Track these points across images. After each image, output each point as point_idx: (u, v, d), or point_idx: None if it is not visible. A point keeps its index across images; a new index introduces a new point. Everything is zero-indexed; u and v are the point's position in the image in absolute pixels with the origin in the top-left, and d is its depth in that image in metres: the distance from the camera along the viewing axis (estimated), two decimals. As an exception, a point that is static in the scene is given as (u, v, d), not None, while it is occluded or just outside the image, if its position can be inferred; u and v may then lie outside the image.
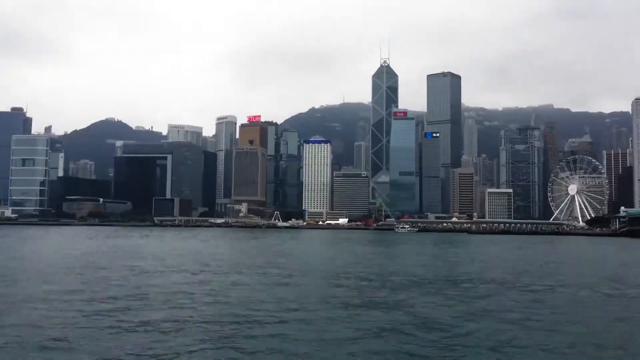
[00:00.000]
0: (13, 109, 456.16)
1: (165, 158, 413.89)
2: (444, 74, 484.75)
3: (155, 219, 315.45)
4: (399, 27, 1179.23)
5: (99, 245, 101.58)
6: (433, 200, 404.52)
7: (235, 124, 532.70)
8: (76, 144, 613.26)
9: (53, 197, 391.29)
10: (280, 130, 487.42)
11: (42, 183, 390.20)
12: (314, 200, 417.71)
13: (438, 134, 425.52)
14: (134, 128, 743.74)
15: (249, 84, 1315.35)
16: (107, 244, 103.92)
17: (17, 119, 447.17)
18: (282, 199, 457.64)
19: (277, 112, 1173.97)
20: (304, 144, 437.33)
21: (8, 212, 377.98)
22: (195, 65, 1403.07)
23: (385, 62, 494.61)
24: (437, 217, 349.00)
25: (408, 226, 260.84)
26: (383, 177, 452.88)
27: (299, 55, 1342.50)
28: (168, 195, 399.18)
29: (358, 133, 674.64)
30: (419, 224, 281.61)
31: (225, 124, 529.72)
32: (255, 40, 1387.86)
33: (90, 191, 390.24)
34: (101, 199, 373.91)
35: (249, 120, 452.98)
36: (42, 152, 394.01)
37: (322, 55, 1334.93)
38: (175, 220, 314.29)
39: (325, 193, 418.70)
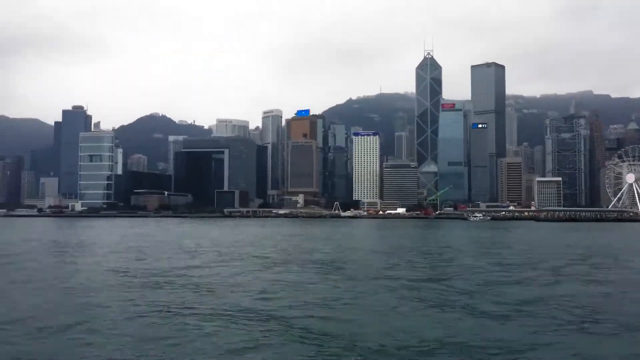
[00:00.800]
0: (74, 107, 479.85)
1: (222, 152, 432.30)
2: (487, 65, 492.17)
3: (225, 210, 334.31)
4: (439, 21, 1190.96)
5: (222, 234, 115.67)
6: (481, 190, 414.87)
7: (281, 117, 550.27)
8: (124, 139, 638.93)
9: (118, 190, 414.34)
10: (327, 123, 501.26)
11: (108, 177, 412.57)
12: (364, 190, 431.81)
13: (485, 125, 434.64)
14: (177, 122, 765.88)
15: (288, 78, 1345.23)
16: (220, 233, 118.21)
17: (79, 117, 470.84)
18: (331, 190, 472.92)
19: (315, 104, 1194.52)
20: (354, 136, 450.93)
21: (78, 206, 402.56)
22: (235, 62, 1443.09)
23: (429, 54, 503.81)
24: (488, 206, 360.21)
25: (481, 215, 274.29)
26: (428, 167, 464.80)
27: (338, 49, 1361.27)
28: (225, 188, 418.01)
29: (397, 124, 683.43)
30: (491, 213, 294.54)
31: (271, 117, 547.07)
32: (296, 35, 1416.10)
33: (152, 185, 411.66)
34: (166, 192, 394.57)
35: (298, 115, 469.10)
36: (107, 148, 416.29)
37: (360, 49, 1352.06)
38: (243, 211, 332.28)
39: (375, 183, 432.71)
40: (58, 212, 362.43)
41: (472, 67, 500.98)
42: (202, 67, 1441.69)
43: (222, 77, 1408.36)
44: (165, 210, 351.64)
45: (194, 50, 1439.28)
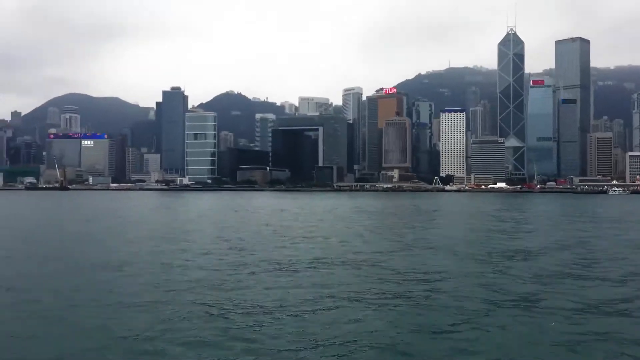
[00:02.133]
0: (172, 88, 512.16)
1: (317, 130, 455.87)
2: (572, 39, 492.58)
3: (334, 184, 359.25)
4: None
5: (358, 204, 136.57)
6: (571, 165, 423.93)
7: (361, 94, 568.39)
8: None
9: (220, 166, 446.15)
10: (411, 100, 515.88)
11: (212, 154, 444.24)
12: (451, 166, 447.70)
13: (576, 100, 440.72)
14: (251, 99, 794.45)
15: (358, 56, 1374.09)
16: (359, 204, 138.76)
17: (178, 97, 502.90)
18: (415, 165, 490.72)
19: (387, 79, 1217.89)
20: (441, 113, 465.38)
21: (185, 180, 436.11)
22: (309, 40, 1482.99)
23: (511, 29, 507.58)
24: (581, 181, 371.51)
25: (620, 189, 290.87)
26: (511, 142, 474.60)
27: (412, 26, 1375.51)
28: (320, 164, 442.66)
29: (469, 98, 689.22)
30: (631, 187, 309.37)
31: (352, 95, 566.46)
32: (373, 14, 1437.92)
33: (252, 161, 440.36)
34: (267, 167, 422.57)
35: (385, 92, 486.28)
36: (211, 127, 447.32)
37: (434, 24, 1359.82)
38: (352, 185, 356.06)
39: (462, 159, 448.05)
40: (185, 186, 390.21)
41: (557, 42, 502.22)
42: (279, 45, 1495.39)
43: (298, 55, 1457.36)
44: (282, 185, 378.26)
45: (271, 30, 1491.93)
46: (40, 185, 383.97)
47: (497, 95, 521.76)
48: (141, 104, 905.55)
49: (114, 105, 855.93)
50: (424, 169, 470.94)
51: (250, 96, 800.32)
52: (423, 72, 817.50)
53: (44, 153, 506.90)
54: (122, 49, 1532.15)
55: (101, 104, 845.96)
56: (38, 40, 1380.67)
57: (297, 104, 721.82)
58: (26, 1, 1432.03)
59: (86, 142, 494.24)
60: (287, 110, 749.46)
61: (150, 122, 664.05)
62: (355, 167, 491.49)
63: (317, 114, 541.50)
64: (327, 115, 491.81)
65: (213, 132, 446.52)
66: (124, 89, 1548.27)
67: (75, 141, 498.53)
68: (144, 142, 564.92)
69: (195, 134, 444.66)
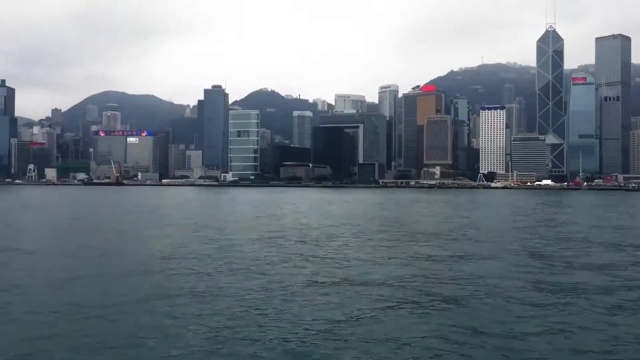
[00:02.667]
0: (213, 86, 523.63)
1: (357, 127, 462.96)
2: (613, 36, 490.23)
3: (380, 181, 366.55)
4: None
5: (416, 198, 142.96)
6: (613, 162, 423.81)
7: (397, 92, 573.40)
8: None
9: (262, 162, 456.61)
10: (449, 97, 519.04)
11: (255, 151, 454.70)
12: (491, 163, 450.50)
13: (618, 97, 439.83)
14: (284, 96, 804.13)
15: (389, 52, 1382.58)
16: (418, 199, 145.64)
17: (219, 95, 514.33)
18: (454, 162, 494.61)
19: (416, 75, 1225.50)
20: (481, 110, 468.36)
21: (229, 176, 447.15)
22: (342, 38, 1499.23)
23: (550, 26, 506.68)
24: (625, 178, 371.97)
25: None
26: (550, 139, 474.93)
27: (441, 23, 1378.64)
28: (360, 160, 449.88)
29: (504, 95, 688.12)
30: None
31: (388, 92, 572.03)
32: (403, 11, 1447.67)
33: (293, 157, 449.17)
34: (310, 164, 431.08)
35: (423, 90, 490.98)
36: (254, 124, 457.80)
37: (465, 21, 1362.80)
38: (397, 182, 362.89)
39: (501, 156, 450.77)
40: (234, 182, 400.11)
41: (597, 39, 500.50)
42: (311, 42, 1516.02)
43: (329, 52, 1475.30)
44: (315, 181, 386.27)
45: (303, 27, 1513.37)
46: (95, 181, 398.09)
47: (536, 92, 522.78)
48: (175, 101, 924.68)
49: (149, 103, 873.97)
50: (462, 165, 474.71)
51: (283, 93, 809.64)
52: (455, 69, 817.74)
53: (91, 149, 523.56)
54: (157, 47, 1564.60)
55: (136, 101, 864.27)
56: (79, 40, 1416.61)
57: (329, 101, 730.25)
58: (69, 2, 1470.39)
59: (131, 139, 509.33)
60: (319, 107, 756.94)
61: (188, 120, 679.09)
62: (392, 163, 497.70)
63: (354, 111, 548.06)
64: (368, 113, 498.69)
65: (256, 129, 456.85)
66: (158, 86, 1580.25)
67: (121, 138, 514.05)
68: (183, 139, 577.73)
69: (239, 132, 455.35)
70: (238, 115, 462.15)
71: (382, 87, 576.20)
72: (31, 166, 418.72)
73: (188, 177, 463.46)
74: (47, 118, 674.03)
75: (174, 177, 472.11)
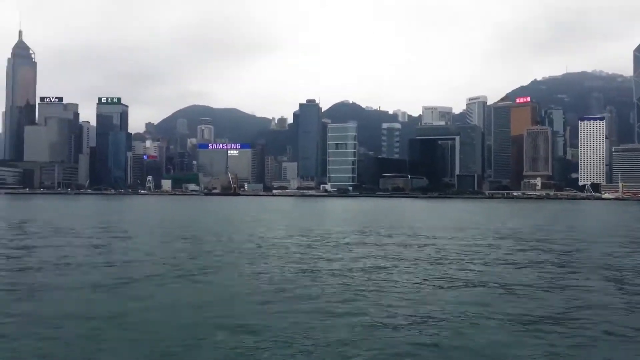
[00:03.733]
0: (308, 100, 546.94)
1: (453, 139, 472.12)
2: None
3: (486, 192, 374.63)
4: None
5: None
6: None
7: (485, 103, 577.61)
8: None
9: (359, 173, 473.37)
10: (543, 108, 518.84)
11: (352, 162, 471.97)
12: (590, 174, 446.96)
13: None
14: (364, 108, 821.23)
15: (470, 63, 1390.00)
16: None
17: (313, 109, 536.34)
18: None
19: (497, 85, 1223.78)
20: (579, 121, 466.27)
21: (328, 187, 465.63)
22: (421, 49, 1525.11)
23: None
24: None
25: None
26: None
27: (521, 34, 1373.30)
28: (457, 172, 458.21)
29: (592, 104, 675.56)
30: None
31: (477, 103, 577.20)
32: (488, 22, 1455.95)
33: (390, 169, 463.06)
34: (409, 175, 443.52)
35: (517, 102, 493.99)
36: (351, 137, 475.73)
37: (550, 31, 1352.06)
38: (504, 193, 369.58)
39: (601, 167, 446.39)
40: (343, 192, 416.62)
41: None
42: (389, 55, 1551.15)
43: (407, 64, 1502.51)
44: (420, 191, 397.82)
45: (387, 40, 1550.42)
46: (213, 191, 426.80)
47: (634, 102, 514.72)
48: (257, 114, 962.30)
49: (233, 116, 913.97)
50: (558, 176, 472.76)
51: (363, 105, 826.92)
52: (539, 78, 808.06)
53: (194, 162, 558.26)
54: (242, 63, 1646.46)
55: (221, 114, 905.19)
56: (171, 58, 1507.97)
57: (409, 112, 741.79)
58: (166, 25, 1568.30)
59: (232, 152, 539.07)
60: (400, 119, 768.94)
61: (277, 132, 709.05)
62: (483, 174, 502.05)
63: (442, 122, 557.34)
64: (464, 125, 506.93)
65: (353, 142, 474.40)
66: (240, 100, 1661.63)
67: (222, 151, 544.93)
68: (275, 151, 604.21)
69: (337, 144, 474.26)
70: (336, 128, 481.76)
71: (470, 99, 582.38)
72: (149, 178, 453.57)
73: (286, 187, 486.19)
74: (145, 132, 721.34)
75: (272, 187, 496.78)
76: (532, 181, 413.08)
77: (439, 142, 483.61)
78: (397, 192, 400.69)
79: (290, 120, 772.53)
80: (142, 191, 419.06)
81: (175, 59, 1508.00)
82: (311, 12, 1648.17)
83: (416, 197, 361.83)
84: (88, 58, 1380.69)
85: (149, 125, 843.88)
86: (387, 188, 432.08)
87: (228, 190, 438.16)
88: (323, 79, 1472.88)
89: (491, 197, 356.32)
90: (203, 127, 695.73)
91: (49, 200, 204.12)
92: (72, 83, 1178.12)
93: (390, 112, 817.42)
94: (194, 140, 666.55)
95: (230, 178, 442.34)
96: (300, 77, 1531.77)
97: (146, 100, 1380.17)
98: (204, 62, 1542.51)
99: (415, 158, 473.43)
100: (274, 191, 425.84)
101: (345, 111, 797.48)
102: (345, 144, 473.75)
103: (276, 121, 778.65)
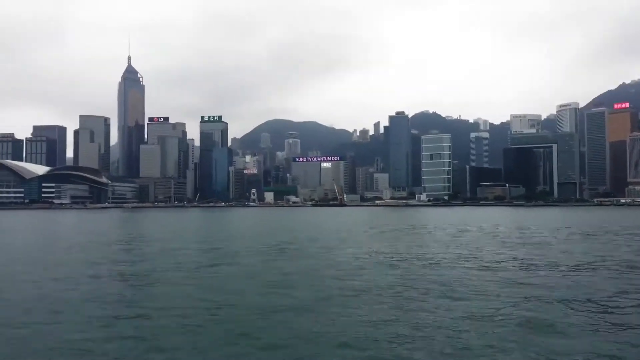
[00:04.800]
0: (397, 112, 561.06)
1: (550, 147, 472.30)
2: None
3: (594, 200, 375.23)
4: None
5: None
6: None
7: (577, 109, 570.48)
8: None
9: (454, 183, 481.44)
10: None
11: (447, 172, 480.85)
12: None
13: None
14: (444, 117, 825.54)
15: (552, 68, 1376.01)
16: None
17: (403, 121, 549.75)
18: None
19: (581, 90, 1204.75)
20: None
21: (423, 197, 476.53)
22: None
23: None
24: None
25: None
26: None
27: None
28: (556, 180, 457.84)
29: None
30: None
31: (568, 110, 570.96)
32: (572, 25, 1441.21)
33: (485, 178, 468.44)
34: (507, 184, 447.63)
35: (616, 107, 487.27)
36: (446, 147, 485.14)
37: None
38: (613, 200, 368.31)
39: None
40: (446, 201, 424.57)
41: None
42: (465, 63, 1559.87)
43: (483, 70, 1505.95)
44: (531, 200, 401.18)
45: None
46: (319, 202, 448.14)
47: None
48: (336, 127, 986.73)
49: (313, 128, 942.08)
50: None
51: (443, 114, 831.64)
52: (627, 82, 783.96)
53: (288, 174, 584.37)
54: (319, 77, 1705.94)
55: (301, 127, 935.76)
56: (257, 75, 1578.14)
57: (490, 120, 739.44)
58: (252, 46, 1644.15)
59: (325, 164, 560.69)
60: (482, 127, 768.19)
61: (359, 144, 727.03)
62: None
63: (533, 130, 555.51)
64: (562, 133, 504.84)
65: (448, 152, 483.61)
66: (319, 114, 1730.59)
67: (315, 164, 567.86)
68: (363, 162, 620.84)
69: (431, 155, 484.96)
70: (431, 139, 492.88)
71: (561, 105, 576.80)
72: (253, 190, 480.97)
73: (380, 198, 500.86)
74: (230, 146, 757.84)
75: (365, 198, 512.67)
76: (638, 188, 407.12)
77: (533, 150, 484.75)
78: (499, 200, 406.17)
79: (371, 132, 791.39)
80: (252, 203, 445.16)
81: (260, 76, 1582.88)
82: (389, 26, 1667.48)
83: (520, 205, 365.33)
84: (184, 78, 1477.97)
85: (233, 140, 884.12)
86: (486, 197, 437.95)
87: (327, 202, 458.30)
88: (400, 90, 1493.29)
89: (600, 204, 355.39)
90: (290, 141, 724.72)
91: (183, 213, 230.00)
92: (169, 103, 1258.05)
93: (471, 120, 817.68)
94: (282, 154, 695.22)
95: (337, 189, 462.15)
96: (379, 89, 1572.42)
97: (229, 116, 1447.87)
98: (285, 78, 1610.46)
99: (510, 167, 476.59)
100: (377, 201, 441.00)
101: (426, 121, 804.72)
102: (440, 154, 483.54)
103: (358, 133, 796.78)
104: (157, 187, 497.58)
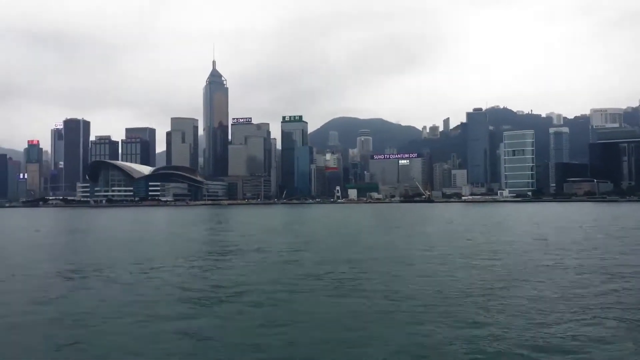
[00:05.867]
0: (475, 109, 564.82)
1: (636, 142, 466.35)
2: None
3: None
4: None
5: None
6: None
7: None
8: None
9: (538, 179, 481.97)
10: None
11: (531, 168, 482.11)
12: None
13: None
14: (515, 112, 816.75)
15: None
16: None
17: (481, 117, 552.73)
18: None
19: None
20: None
21: (505, 193, 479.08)
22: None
23: None
24: None
25: None
26: None
27: None
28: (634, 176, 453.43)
29: None
30: None
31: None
32: None
33: (571, 173, 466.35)
34: (595, 180, 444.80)
35: None
36: (529, 143, 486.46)
37: None
38: None
39: None
40: (537, 197, 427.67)
41: None
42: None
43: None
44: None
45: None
46: (406, 199, 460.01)
47: None
48: (402, 124, 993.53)
49: (379, 126, 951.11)
50: None
51: (514, 109, 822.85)
52: None
53: (365, 172, 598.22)
54: (385, 75, 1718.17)
55: (367, 124, 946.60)
56: (328, 76, 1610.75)
57: (564, 114, 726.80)
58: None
59: (403, 161, 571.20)
60: (555, 122, 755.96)
61: (429, 140, 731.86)
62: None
63: (616, 124, 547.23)
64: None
65: (531, 148, 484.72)
66: (384, 110, 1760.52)
67: (393, 161, 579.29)
68: (438, 159, 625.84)
69: (513, 151, 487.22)
70: (513, 135, 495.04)
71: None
72: (337, 187, 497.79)
73: (460, 194, 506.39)
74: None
75: (445, 194, 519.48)
76: None
77: (619, 144, 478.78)
78: (590, 196, 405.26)
79: (441, 128, 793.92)
80: (339, 200, 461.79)
81: (327, 77, 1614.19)
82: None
83: (613, 201, 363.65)
84: (260, 80, 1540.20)
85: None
86: (575, 193, 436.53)
87: (410, 198, 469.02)
88: (467, 86, 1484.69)
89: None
90: (362, 139, 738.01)
91: (285, 209, 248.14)
92: (249, 104, 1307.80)
93: (544, 115, 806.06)
94: (354, 151, 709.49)
95: (420, 187, 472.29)
96: (444, 86, 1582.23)
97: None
98: (351, 77, 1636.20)
99: (596, 162, 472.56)
100: (464, 197, 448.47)
101: (498, 117, 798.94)
102: (523, 150, 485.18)
103: (428, 129, 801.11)
104: (244, 184, 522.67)
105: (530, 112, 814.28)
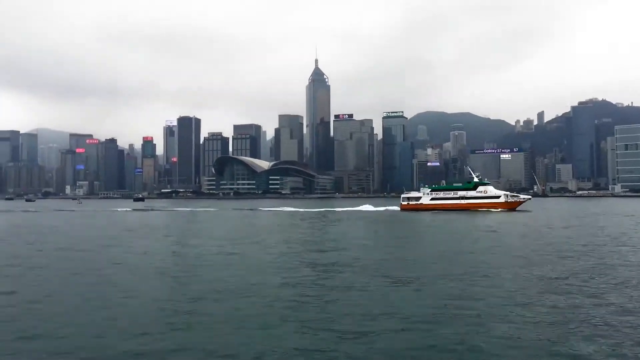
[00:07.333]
0: (580, 102, 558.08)
1: None
2: None
3: None
4: None
5: None
6: None
7: None
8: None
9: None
10: None
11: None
12: None
13: None
14: (614, 104, 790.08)
15: None
16: None
17: (589, 111, 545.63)
18: None
19: None
20: None
21: (617, 188, 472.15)
22: None
23: None
24: None
25: None
26: None
27: None
28: None
29: None
30: None
31: None
32: None
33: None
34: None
35: None
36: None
37: None
38: None
39: None
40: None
41: None
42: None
43: None
44: None
45: None
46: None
47: None
48: (491, 117, 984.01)
49: (468, 120, 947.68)
50: None
51: (614, 101, 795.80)
52: None
53: (465, 166, 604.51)
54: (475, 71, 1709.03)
55: (456, 119, 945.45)
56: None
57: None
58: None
59: (504, 156, 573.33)
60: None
61: (524, 134, 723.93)
62: None
63: None
64: None
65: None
66: (472, 105, 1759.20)
67: (493, 155, 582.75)
68: (538, 152, 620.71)
69: (626, 145, 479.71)
70: (625, 129, 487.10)
71: None
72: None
73: (567, 189, 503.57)
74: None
75: (552, 189, 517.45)
76: None
77: None
78: None
79: (535, 121, 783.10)
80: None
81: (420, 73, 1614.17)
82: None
83: None
84: (365, 80, 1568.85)
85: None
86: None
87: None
88: (558, 78, 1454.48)
89: None
90: (456, 133, 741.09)
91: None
92: (349, 100, 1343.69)
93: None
94: (448, 145, 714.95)
95: (538, 182, 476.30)
96: (533, 78, 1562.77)
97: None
98: (449, 76, 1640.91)
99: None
100: (578, 192, 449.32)
101: (596, 109, 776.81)
102: (636, 144, 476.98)
103: (522, 123, 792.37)
104: (349, 178, 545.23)
105: (630, 105, 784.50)
